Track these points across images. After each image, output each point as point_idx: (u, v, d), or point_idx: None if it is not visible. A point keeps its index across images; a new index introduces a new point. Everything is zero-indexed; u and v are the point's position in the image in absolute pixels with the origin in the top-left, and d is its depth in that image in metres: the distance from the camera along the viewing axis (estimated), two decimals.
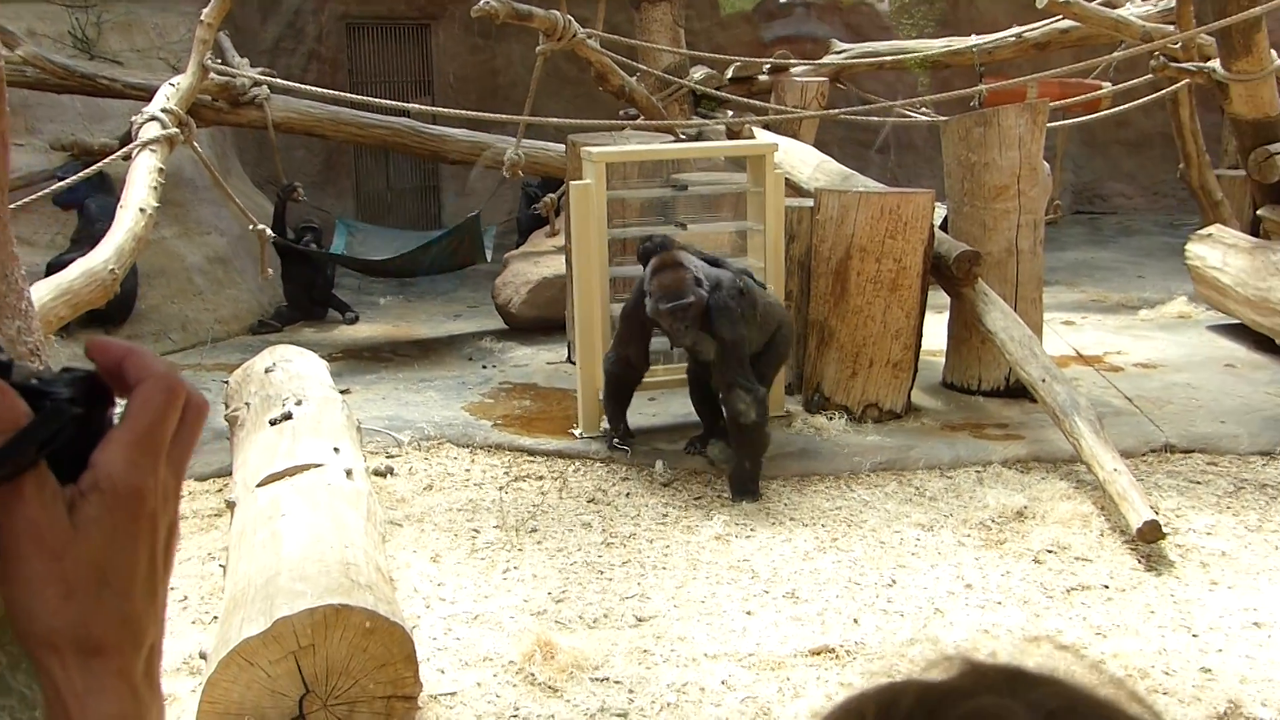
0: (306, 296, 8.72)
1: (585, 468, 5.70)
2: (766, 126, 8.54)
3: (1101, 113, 9.93)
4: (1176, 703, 3.61)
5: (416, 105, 7.61)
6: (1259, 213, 8.45)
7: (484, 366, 7.48)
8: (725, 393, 5.27)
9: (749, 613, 4.25)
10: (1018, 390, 6.36)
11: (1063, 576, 4.51)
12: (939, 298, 6.60)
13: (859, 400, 6.19)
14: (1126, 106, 9.68)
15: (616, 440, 5.82)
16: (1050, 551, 4.71)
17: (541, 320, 8.15)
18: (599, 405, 6.02)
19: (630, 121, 8.43)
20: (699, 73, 9.36)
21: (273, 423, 4.82)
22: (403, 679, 3.40)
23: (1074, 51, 10.03)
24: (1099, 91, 9.71)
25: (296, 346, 5.95)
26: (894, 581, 4.49)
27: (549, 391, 6.88)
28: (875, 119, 9.40)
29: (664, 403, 6.54)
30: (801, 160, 7.49)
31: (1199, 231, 8.57)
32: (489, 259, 8.59)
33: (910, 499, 5.32)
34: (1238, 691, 3.67)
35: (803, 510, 5.20)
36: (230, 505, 4.50)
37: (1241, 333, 7.81)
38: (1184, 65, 8.08)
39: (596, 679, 3.80)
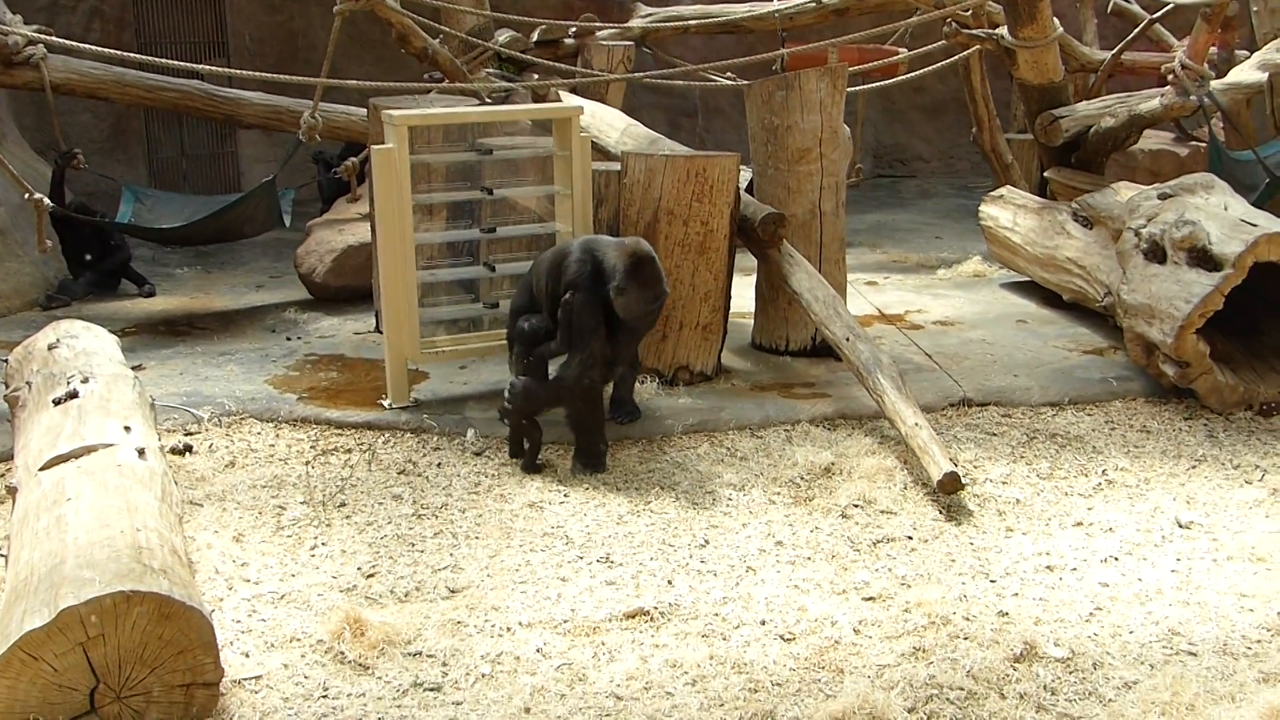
0: (92, 268, 8.30)
1: (395, 439, 5.58)
2: (573, 90, 8.47)
3: (899, 78, 10.19)
4: (976, 646, 3.73)
5: (209, 67, 7.27)
6: (1045, 174, 8.83)
7: (288, 338, 7.24)
8: (625, 370, 5.56)
9: (563, 579, 4.23)
10: (824, 350, 6.49)
11: (869, 530, 4.63)
12: (746, 260, 6.67)
13: (670, 363, 6.21)
14: (922, 72, 9.95)
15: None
16: (857, 506, 4.83)
17: (348, 289, 7.94)
18: (408, 374, 5.90)
19: (434, 84, 8.25)
20: (504, 35, 9.22)
21: (56, 402, 4.55)
22: (202, 665, 3.25)
23: (872, 18, 10.24)
24: (896, 57, 9.96)
25: (83, 321, 5.63)
26: (707, 541, 4.52)
27: (357, 362, 6.70)
28: (680, 83, 9.43)
29: (475, 370, 6.45)
30: (608, 124, 7.46)
31: (991, 193, 8.87)
32: (287, 224, 8.29)
33: (722, 459, 5.38)
34: (1033, 633, 3.82)
35: (616, 474, 5.19)
36: (11, 491, 4.23)
37: (1032, 289, 8.14)
38: (974, 32, 8.34)
39: (409, 654, 3.72)
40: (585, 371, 5.17)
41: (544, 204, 6.51)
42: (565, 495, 4.97)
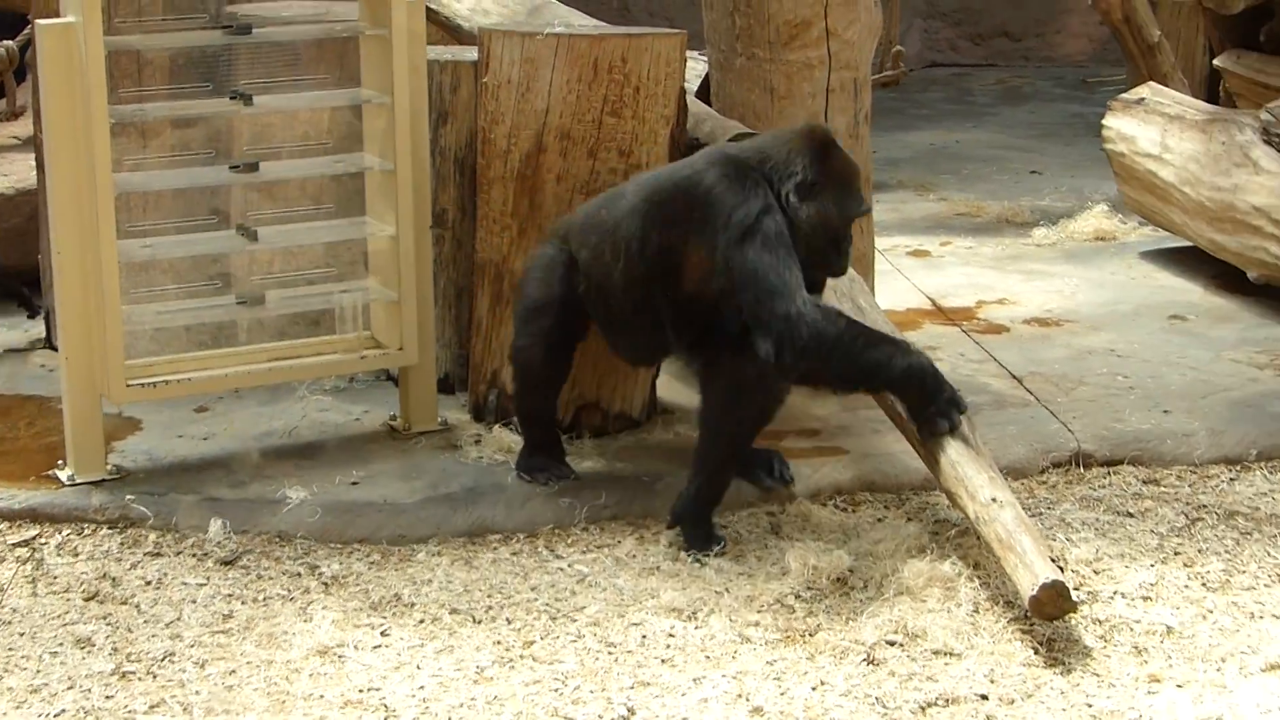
0: None
1: (80, 538, 5.57)
2: None
3: None
4: None
5: None
6: (1216, 63, 8.98)
7: None
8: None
9: None
10: None
11: (913, 686, 4.65)
12: None
13: (567, 399, 6.22)
14: None
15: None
16: (893, 643, 4.85)
17: None
18: (103, 424, 5.85)
19: None
20: None
21: None
22: None
23: None
24: None
25: None
26: (632, 712, 4.54)
27: (10, 402, 6.68)
28: None
29: (222, 414, 6.46)
30: None
31: (1124, 96, 9.01)
32: None
33: (658, 566, 5.40)
34: None
35: (474, 594, 5.20)
36: None
37: (1194, 262, 8.27)
38: None
39: None
40: (790, 343, 5.22)
41: (343, 121, 6.50)
42: (383, 633, 4.96)
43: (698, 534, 5.49)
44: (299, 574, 5.36)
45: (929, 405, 5.39)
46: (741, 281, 5.28)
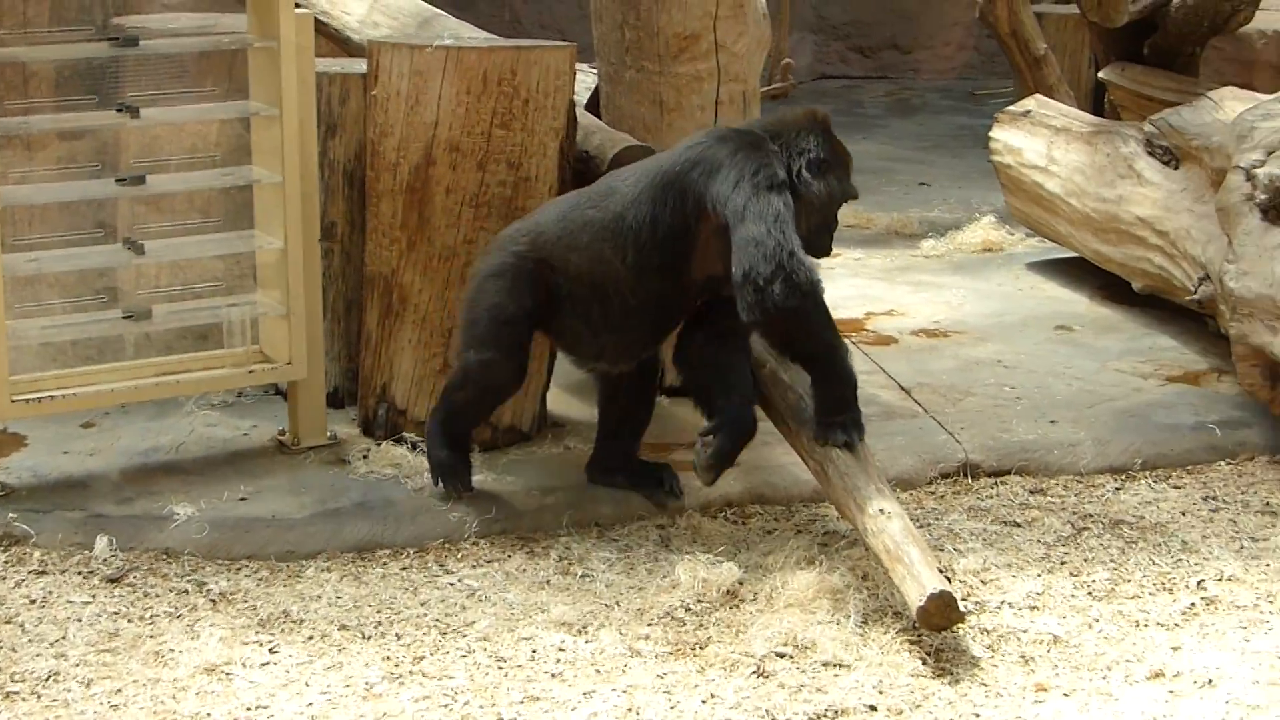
0: None
1: None
2: None
3: None
4: None
5: None
6: (1102, 75, 9.07)
7: None
8: None
9: None
10: None
11: (803, 698, 4.66)
12: None
13: None
14: None
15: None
16: (783, 655, 4.86)
17: None
18: None
19: None
20: None
21: None
22: None
23: None
24: None
25: None
26: None
27: None
28: None
29: (109, 429, 6.42)
30: None
31: (1012, 108, 9.09)
32: None
33: (548, 581, 5.40)
34: None
35: (364, 610, 5.18)
36: None
37: (1080, 272, 8.34)
38: None
39: None
40: (789, 277, 5.29)
41: (231, 134, 6.46)
42: (272, 650, 4.93)
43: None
44: (186, 591, 5.32)
45: (842, 413, 5.46)
46: (753, 219, 5.33)
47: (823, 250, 5.71)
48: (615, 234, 5.62)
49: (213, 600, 5.26)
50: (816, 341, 5.43)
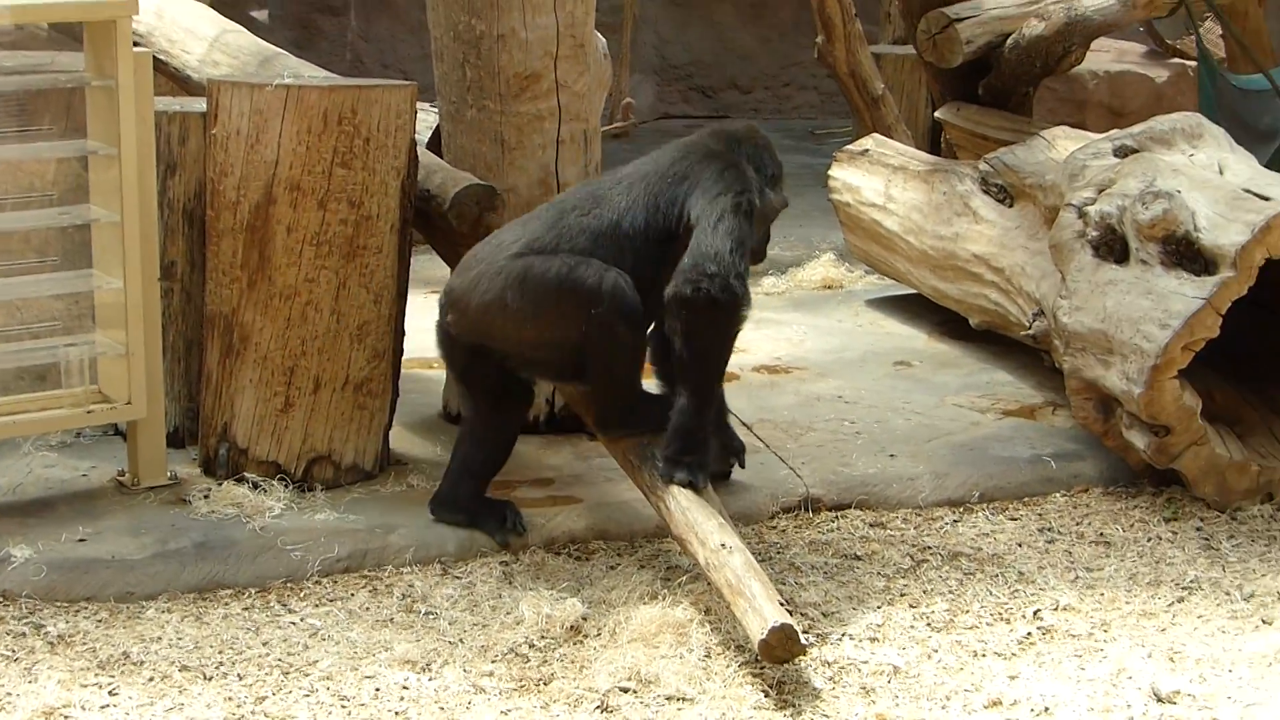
0: None
1: None
2: None
3: None
4: None
5: None
6: (938, 115, 9.18)
7: None
8: None
9: None
10: (571, 422, 6.59)
11: None
12: (433, 268, 6.70)
13: (298, 451, 6.21)
14: None
15: None
16: (626, 690, 4.88)
17: None
18: None
19: None
20: None
21: None
22: None
23: None
24: None
25: None
26: None
27: None
28: None
29: None
30: (187, 29, 7.43)
31: (850, 147, 9.18)
32: None
33: (391, 618, 5.39)
34: None
35: (205, 651, 5.14)
36: None
37: (918, 309, 8.43)
38: None
39: None
40: (721, 278, 5.46)
41: (69, 173, 6.40)
42: (111, 692, 4.88)
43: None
44: (24, 634, 5.24)
45: (691, 453, 5.54)
46: (722, 235, 5.51)
47: (761, 256, 6.08)
48: (614, 239, 5.76)
49: (50, 643, 5.19)
50: (710, 359, 5.64)
